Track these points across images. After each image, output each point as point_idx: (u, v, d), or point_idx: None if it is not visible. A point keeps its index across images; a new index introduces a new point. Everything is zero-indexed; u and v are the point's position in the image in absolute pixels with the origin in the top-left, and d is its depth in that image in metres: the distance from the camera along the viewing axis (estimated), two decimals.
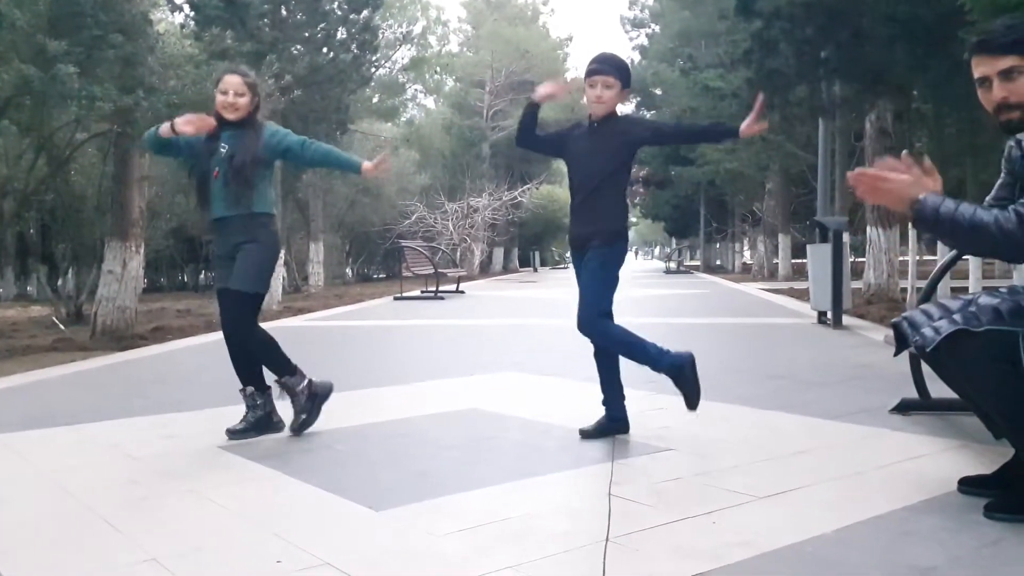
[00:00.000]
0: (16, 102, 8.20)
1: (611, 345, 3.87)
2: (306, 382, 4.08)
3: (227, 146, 3.99)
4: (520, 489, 3.06)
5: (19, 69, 7.66)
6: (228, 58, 11.47)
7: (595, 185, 3.80)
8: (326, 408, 4.38)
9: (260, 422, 4.08)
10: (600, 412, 3.99)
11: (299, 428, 4.05)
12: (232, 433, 3.97)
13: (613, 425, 3.93)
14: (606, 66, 3.80)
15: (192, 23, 14.91)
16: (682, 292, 17.26)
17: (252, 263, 3.96)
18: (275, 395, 4.15)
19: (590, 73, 3.81)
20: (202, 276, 26.01)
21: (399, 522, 2.71)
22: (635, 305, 13.25)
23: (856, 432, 3.89)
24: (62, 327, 10.60)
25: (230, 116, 4.02)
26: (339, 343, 8.57)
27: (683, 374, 3.81)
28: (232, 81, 4.03)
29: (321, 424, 4.26)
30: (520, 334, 9.01)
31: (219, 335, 8.76)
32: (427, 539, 2.55)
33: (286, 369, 4.09)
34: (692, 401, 3.83)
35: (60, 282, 14.34)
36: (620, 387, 3.97)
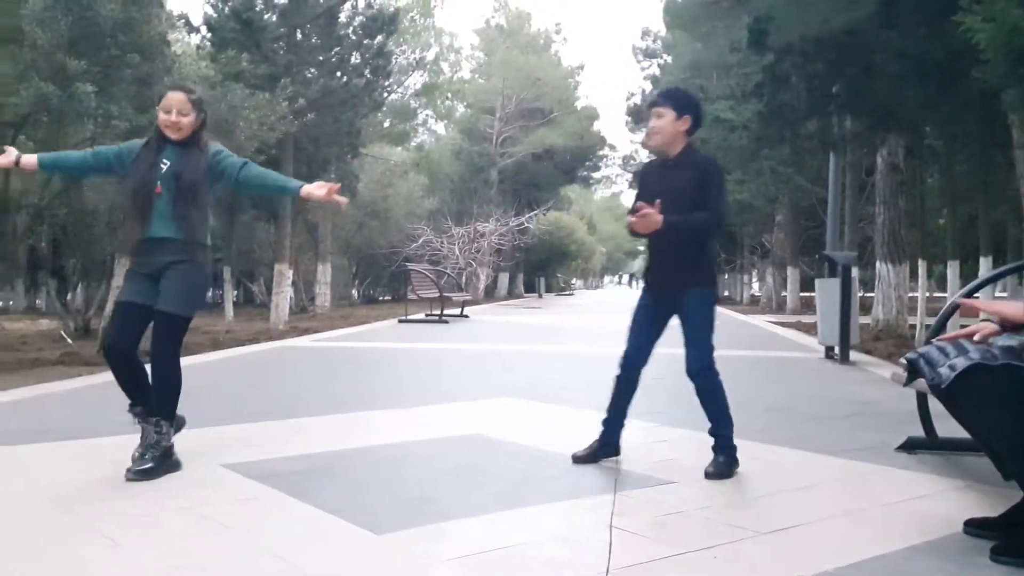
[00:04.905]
0: (34, 119, 8.31)
1: (711, 392, 3.80)
2: (172, 441, 3.78)
3: (169, 162, 3.74)
4: (520, 517, 3.04)
5: (39, 87, 7.76)
6: (243, 80, 11.60)
7: None
8: (328, 428, 4.36)
9: (165, 455, 3.70)
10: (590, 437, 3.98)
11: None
12: (138, 472, 3.55)
13: (605, 449, 3.95)
14: (658, 97, 3.82)
15: (208, 44, 15.10)
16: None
17: (185, 284, 3.74)
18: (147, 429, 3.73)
19: (648, 107, 3.85)
20: (209, 294, 26.09)
21: (398, 546, 2.70)
22: None
23: (860, 469, 3.87)
24: (70, 341, 10.63)
25: (173, 136, 3.77)
26: (344, 364, 8.56)
27: (731, 451, 3.78)
28: (175, 98, 3.77)
29: (322, 445, 4.26)
30: (523, 360, 8.99)
31: (225, 353, 8.80)
32: (425, 564, 2.53)
33: (172, 415, 3.78)
34: (715, 474, 3.69)
35: (69, 296, 14.41)
36: (625, 415, 3.97)
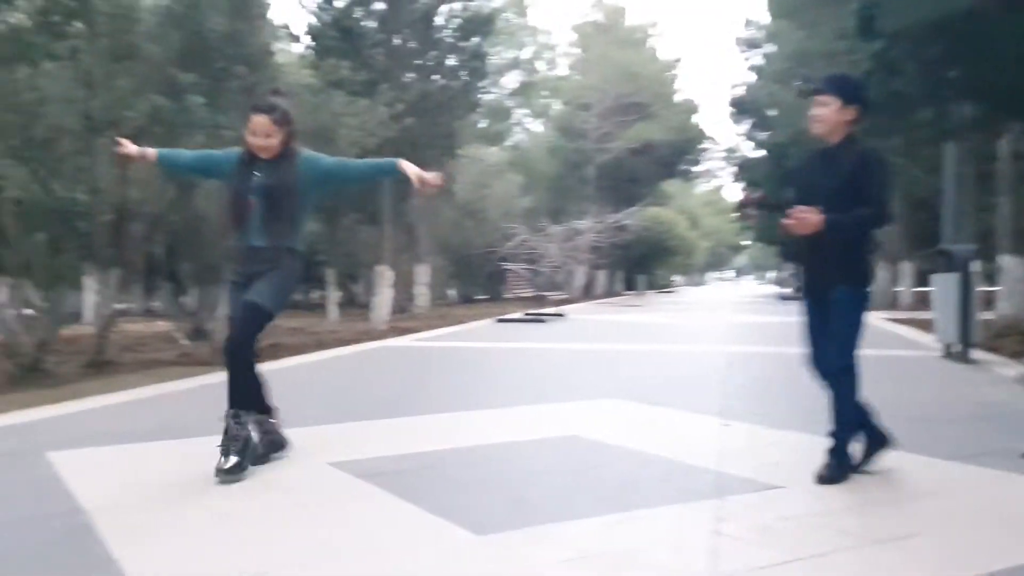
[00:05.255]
0: (149, 131, 8.72)
1: (844, 394, 3.62)
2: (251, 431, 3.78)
3: (261, 176, 3.85)
4: (622, 521, 2.99)
5: (153, 100, 8.15)
6: (344, 87, 11.88)
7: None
8: (428, 428, 4.38)
9: (246, 446, 3.75)
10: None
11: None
12: (225, 472, 3.59)
13: (875, 443, 3.71)
14: (821, 84, 3.69)
15: (311, 53, 15.55)
16: (795, 319, 16.71)
17: (274, 284, 3.84)
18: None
19: (811, 93, 3.71)
20: (314, 295, 26.83)
21: (499, 548, 2.70)
22: (748, 332, 12.90)
23: (984, 475, 3.65)
24: (185, 342, 11.10)
25: (264, 156, 3.86)
26: (443, 364, 8.66)
27: (846, 457, 3.60)
28: (259, 123, 3.82)
29: (423, 444, 4.31)
30: (623, 360, 8.89)
31: (330, 353, 9.04)
32: (527, 567, 2.52)
33: (249, 406, 3.81)
34: (827, 478, 3.53)
35: (183, 299, 15.05)
36: (862, 406, 3.71)
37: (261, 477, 3.67)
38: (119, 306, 10.13)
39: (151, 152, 4.13)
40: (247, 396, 3.84)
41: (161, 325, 14.59)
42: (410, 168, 3.92)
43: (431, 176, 3.92)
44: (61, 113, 7.95)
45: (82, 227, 8.48)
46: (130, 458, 4.11)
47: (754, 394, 6.15)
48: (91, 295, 16.71)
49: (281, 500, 3.30)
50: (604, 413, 5.39)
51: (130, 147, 4.09)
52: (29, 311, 8.66)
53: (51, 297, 8.54)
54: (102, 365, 8.59)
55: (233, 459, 3.66)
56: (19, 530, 2.93)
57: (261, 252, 3.85)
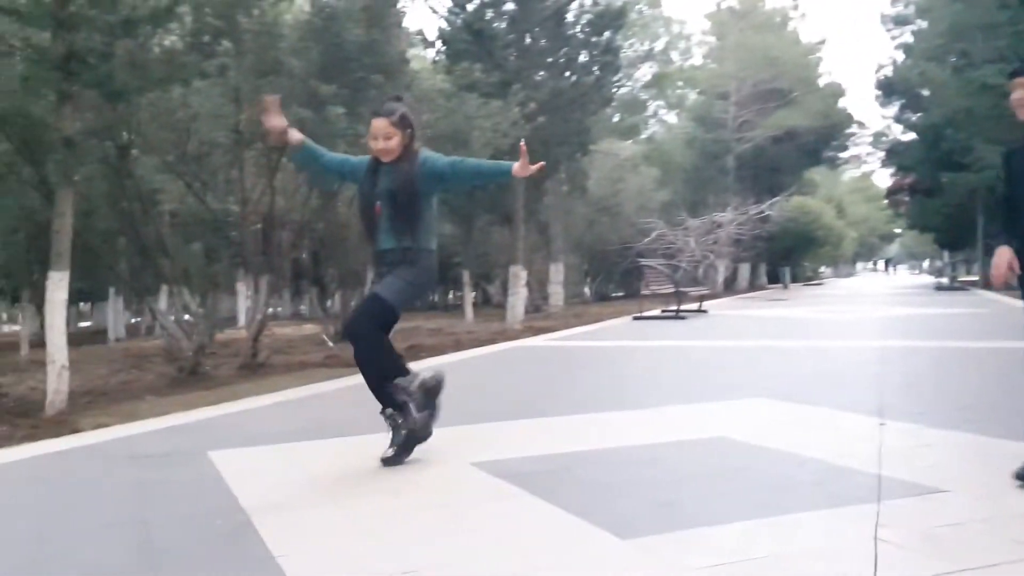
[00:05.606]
0: None
1: None
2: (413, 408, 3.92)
3: (385, 181, 3.97)
4: (773, 526, 2.86)
5: (296, 113, 8.52)
6: (476, 89, 12.04)
7: None
8: (568, 428, 4.32)
9: (408, 441, 3.99)
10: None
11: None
12: (385, 460, 3.91)
13: None
14: (1022, 65, 3.45)
15: (443, 58, 15.84)
16: (954, 311, 15.67)
17: (398, 277, 3.92)
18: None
19: (1011, 76, 3.46)
20: (450, 296, 27.39)
21: (644, 552, 2.63)
22: (903, 325, 12.18)
23: None
24: (331, 344, 11.56)
25: (385, 159, 3.98)
26: (580, 363, 8.61)
27: None
28: (378, 126, 3.95)
29: (564, 445, 4.28)
30: (770, 357, 8.56)
31: (468, 354, 9.17)
32: (673, 572, 2.45)
33: (373, 380, 3.94)
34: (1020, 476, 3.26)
35: (329, 303, 15.69)
36: None
37: (406, 476, 3.75)
38: (269, 310, 10.65)
39: (297, 134, 4.18)
40: (380, 384, 3.92)
41: (308, 328, 15.28)
42: (521, 170, 3.93)
43: (533, 168, 3.95)
44: (212, 128, 8.42)
45: (234, 236, 8.96)
46: (284, 458, 4.29)
47: (912, 391, 5.81)
48: (244, 300, 17.72)
49: (426, 499, 3.36)
50: (752, 413, 5.19)
51: (277, 116, 4.09)
52: (188, 317, 9.24)
53: (207, 303, 9.07)
54: (255, 367, 9.06)
55: (390, 452, 3.91)
56: (185, 527, 3.10)
57: (391, 254, 3.98)
